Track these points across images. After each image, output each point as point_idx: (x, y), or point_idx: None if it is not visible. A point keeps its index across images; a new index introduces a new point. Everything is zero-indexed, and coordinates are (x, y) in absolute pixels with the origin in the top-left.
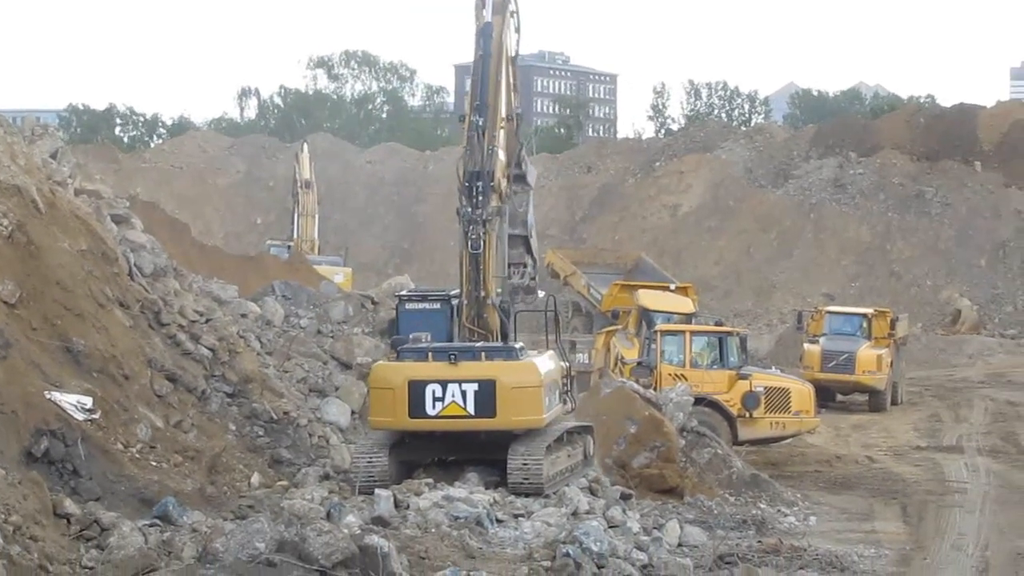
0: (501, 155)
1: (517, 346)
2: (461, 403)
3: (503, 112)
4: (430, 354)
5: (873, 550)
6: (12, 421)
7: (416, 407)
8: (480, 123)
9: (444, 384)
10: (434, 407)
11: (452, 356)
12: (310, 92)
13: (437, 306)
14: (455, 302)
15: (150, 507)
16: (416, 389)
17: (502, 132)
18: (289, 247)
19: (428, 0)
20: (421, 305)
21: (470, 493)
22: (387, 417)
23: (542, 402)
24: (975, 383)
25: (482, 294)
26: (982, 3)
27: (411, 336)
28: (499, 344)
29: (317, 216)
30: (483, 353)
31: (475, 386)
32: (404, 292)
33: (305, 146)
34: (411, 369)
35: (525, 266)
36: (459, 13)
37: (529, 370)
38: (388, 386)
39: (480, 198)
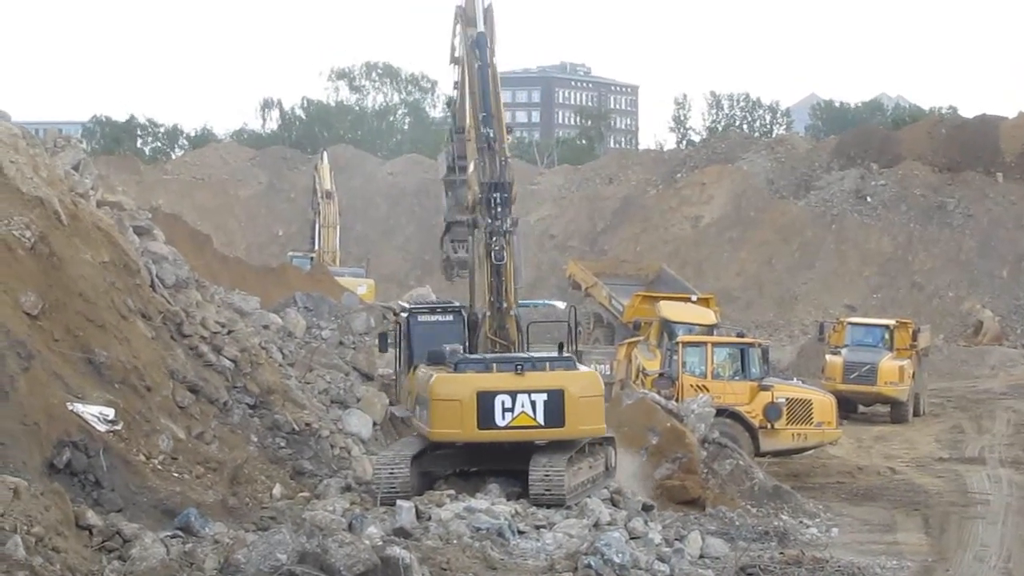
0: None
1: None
2: (531, 413)
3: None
4: (494, 365)
5: (895, 562)
6: (34, 432)
7: (485, 418)
8: (490, 134)
9: (513, 395)
10: (503, 418)
11: (519, 367)
12: (332, 103)
13: (450, 318)
14: (465, 314)
15: (172, 518)
16: (485, 400)
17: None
18: (311, 258)
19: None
20: (434, 318)
21: (492, 504)
22: (454, 429)
23: (603, 411)
24: (997, 394)
25: (504, 305)
26: (1004, 15)
27: (448, 348)
28: (557, 354)
29: (339, 227)
30: (547, 363)
31: (544, 396)
32: (408, 305)
33: (325, 156)
34: (478, 381)
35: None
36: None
37: (593, 380)
38: (455, 398)
39: (499, 209)
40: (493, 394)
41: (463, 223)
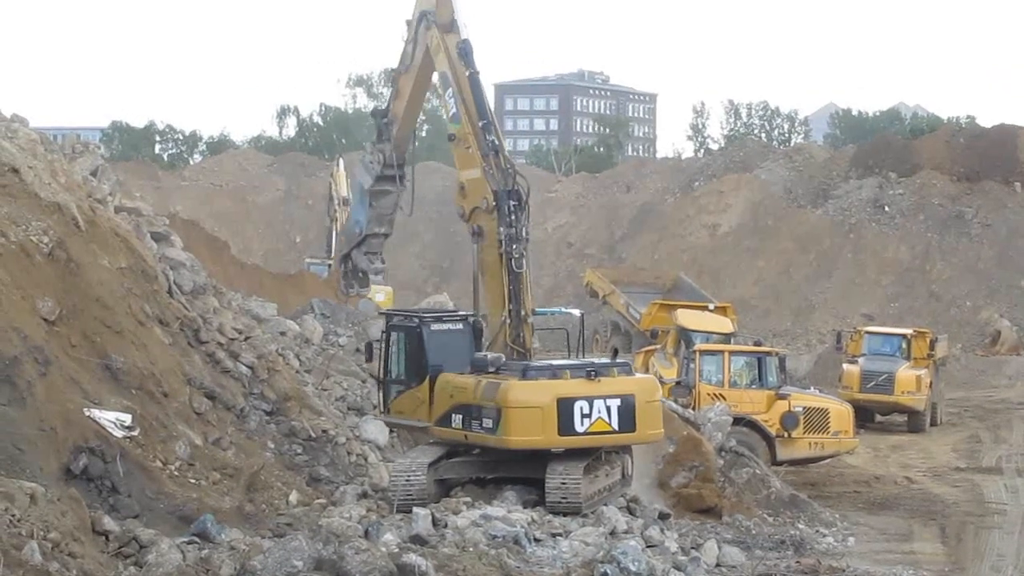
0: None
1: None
2: (607, 419)
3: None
4: (566, 372)
5: (912, 571)
6: (51, 438)
7: (565, 425)
8: (495, 142)
9: (590, 401)
10: (582, 424)
11: (592, 373)
12: (349, 110)
13: (460, 327)
14: (471, 320)
15: (188, 524)
16: (565, 407)
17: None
18: (329, 265)
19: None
20: (446, 326)
21: (508, 512)
22: (535, 436)
23: (661, 416)
24: (1015, 404)
25: (523, 312)
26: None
27: (489, 356)
28: (617, 360)
29: None
30: (614, 369)
31: (617, 401)
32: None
33: (340, 163)
34: (557, 387)
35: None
36: (501, 34)
37: (654, 385)
38: (534, 405)
39: (513, 216)
40: (572, 400)
41: (379, 235)
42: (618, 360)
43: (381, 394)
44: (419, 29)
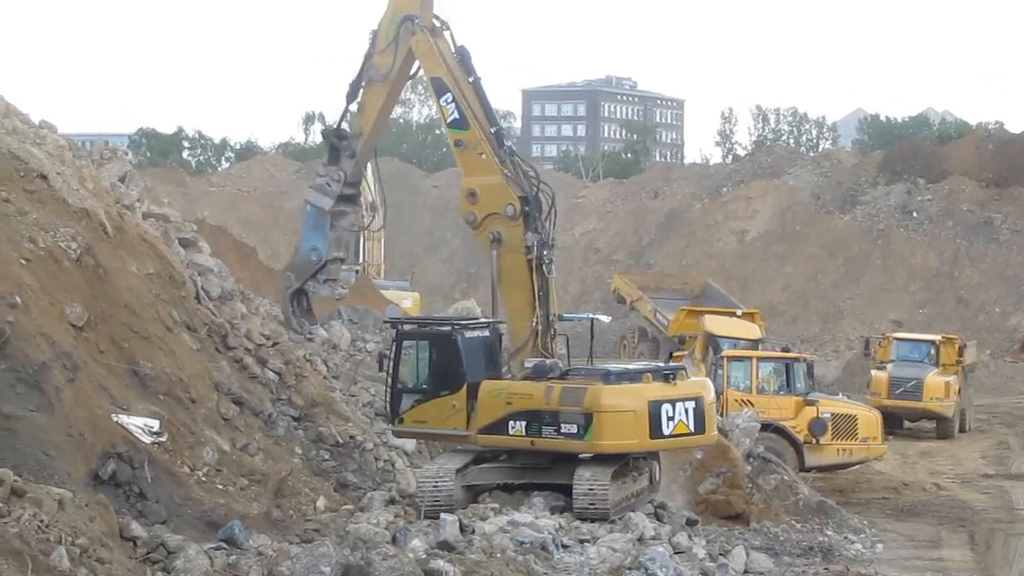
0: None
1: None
2: (686, 421)
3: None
4: (648, 375)
5: None
6: (79, 444)
7: (655, 428)
8: (512, 147)
9: (673, 403)
10: (667, 426)
11: (670, 376)
12: None
13: (487, 334)
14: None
15: (216, 530)
16: (654, 410)
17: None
18: (357, 271)
19: (494, 26)
20: (478, 333)
21: (535, 518)
22: (629, 440)
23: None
24: None
25: (551, 317)
26: None
27: (548, 363)
28: (675, 364)
29: (383, 239)
30: (682, 372)
31: (692, 404)
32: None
33: (369, 167)
34: (646, 391)
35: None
36: (529, 41)
37: (711, 387)
38: (628, 409)
39: (537, 223)
40: (659, 403)
41: (337, 259)
42: (675, 364)
43: (390, 405)
44: (400, 34)
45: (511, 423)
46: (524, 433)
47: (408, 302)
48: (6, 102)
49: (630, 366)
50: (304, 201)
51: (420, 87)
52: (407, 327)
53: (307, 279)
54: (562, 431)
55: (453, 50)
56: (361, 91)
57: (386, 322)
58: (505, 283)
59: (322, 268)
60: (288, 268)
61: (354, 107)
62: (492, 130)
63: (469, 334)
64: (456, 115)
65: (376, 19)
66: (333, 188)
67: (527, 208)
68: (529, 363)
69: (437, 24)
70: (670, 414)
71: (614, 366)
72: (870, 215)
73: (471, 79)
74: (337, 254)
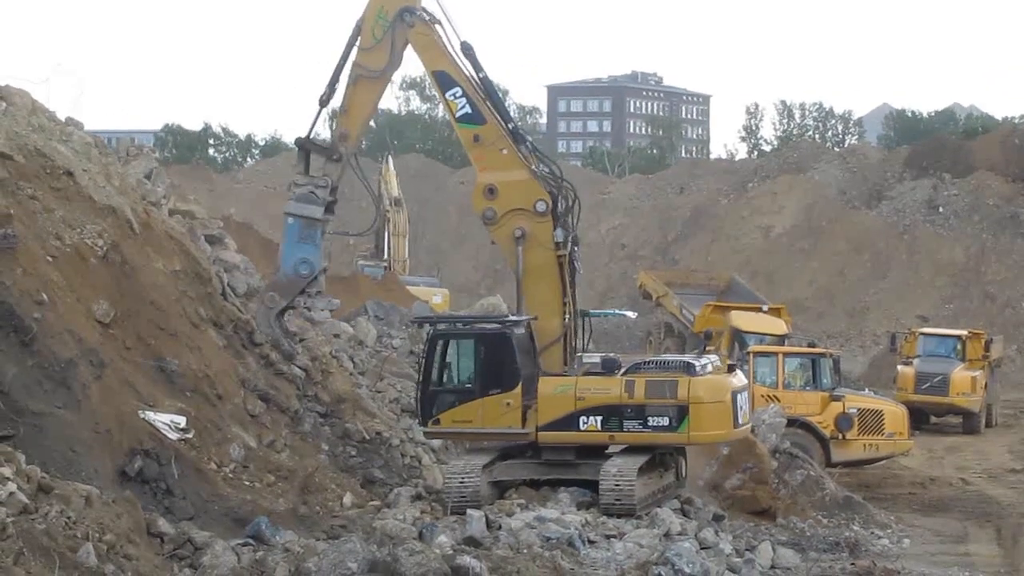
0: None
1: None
2: (746, 411)
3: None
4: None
5: (967, 573)
6: (106, 440)
7: (736, 418)
8: (531, 142)
9: (741, 394)
10: (740, 417)
11: (732, 367)
12: (402, 113)
13: (523, 331)
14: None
15: (243, 526)
16: (735, 401)
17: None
18: (384, 267)
19: (520, 22)
20: (521, 331)
21: (562, 514)
22: (720, 430)
23: None
24: None
25: (577, 311)
26: None
27: (614, 357)
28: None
29: (408, 235)
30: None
31: (746, 395)
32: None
33: (390, 161)
34: (728, 382)
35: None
36: (550, 36)
37: None
38: (719, 400)
39: (564, 218)
40: (736, 394)
41: (324, 270)
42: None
43: (422, 406)
44: (396, 28)
45: (582, 419)
46: (600, 428)
47: (438, 298)
48: (32, 99)
49: (689, 358)
50: (285, 214)
51: None
52: (447, 326)
53: (295, 296)
54: (649, 424)
55: (456, 44)
56: (346, 91)
57: (414, 321)
58: (531, 279)
59: (312, 281)
60: (269, 288)
61: (329, 110)
62: (510, 127)
63: (518, 331)
64: (468, 109)
65: (353, 17)
66: (320, 196)
67: (564, 204)
68: (590, 358)
69: (426, 17)
70: (741, 404)
71: (670, 357)
72: (896, 210)
73: (480, 75)
74: (325, 264)
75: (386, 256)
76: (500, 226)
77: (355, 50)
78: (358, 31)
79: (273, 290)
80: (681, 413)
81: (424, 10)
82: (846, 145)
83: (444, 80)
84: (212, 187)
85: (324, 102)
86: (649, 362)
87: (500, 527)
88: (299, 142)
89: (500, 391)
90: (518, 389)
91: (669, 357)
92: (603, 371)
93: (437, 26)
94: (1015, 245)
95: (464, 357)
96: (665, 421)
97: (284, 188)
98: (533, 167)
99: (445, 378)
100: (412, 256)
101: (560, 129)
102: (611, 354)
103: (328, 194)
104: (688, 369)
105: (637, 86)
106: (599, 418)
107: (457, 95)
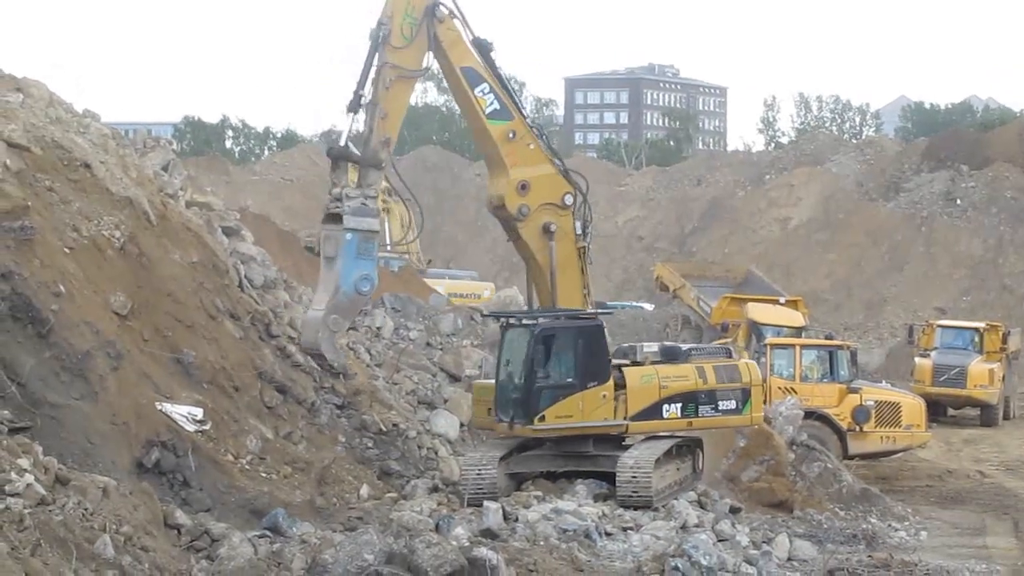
0: None
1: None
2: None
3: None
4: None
5: (985, 566)
6: (124, 432)
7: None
8: (547, 137)
9: None
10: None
11: (728, 353)
12: (420, 105)
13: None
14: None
15: (260, 518)
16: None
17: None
18: (405, 259)
19: (537, 14)
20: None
21: (579, 506)
22: (762, 412)
23: None
24: None
25: (593, 302)
26: None
27: (672, 344)
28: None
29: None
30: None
31: None
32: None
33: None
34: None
35: None
36: (571, 28)
37: None
38: (763, 382)
39: (579, 209)
40: None
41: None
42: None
43: (526, 403)
44: (426, 24)
45: (665, 407)
46: (679, 415)
47: (487, 292)
48: (50, 91)
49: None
50: (344, 230)
51: None
52: (551, 321)
53: (356, 315)
54: (720, 408)
55: (473, 40)
56: (379, 95)
57: (488, 315)
58: (559, 272)
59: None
60: (331, 311)
61: (361, 117)
62: (528, 121)
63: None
64: (497, 105)
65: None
66: (372, 207)
67: (584, 195)
68: (649, 347)
69: (445, 12)
70: None
71: (703, 345)
72: (913, 202)
73: (498, 73)
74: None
75: (387, 242)
76: (529, 221)
77: (382, 52)
78: (379, 35)
79: (335, 312)
80: (745, 396)
81: (445, 5)
82: (863, 137)
83: (472, 76)
84: (229, 179)
85: (354, 108)
86: (700, 348)
87: (517, 519)
88: (335, 153)
89: (596, 384)
90: (611, 381)
91: (701, 345)
92: (667, 358)
93: (455, 21)
94: None
95: (565, 351)
96: (733, 404)
97: (299, 181)
98: (556, 160)
99: (548, 374)
100: (430, 250)
101: (577, 121)
102: (667, 342)
103: (376, 204)
104: (728, 354)
105: (654, 78)
106: (679, 405)
107: (485, 91)
